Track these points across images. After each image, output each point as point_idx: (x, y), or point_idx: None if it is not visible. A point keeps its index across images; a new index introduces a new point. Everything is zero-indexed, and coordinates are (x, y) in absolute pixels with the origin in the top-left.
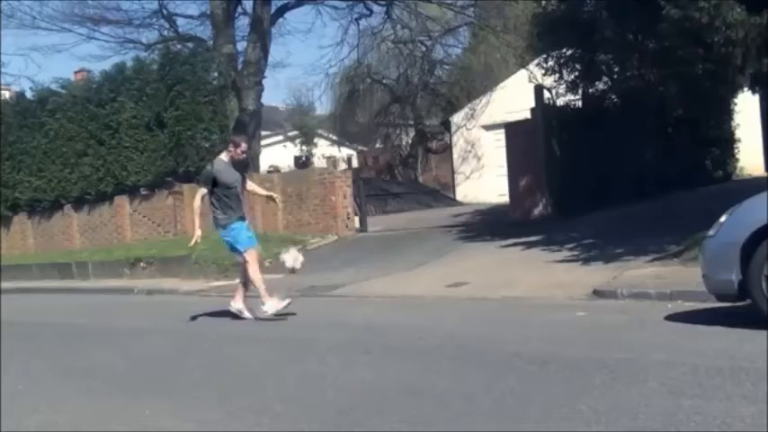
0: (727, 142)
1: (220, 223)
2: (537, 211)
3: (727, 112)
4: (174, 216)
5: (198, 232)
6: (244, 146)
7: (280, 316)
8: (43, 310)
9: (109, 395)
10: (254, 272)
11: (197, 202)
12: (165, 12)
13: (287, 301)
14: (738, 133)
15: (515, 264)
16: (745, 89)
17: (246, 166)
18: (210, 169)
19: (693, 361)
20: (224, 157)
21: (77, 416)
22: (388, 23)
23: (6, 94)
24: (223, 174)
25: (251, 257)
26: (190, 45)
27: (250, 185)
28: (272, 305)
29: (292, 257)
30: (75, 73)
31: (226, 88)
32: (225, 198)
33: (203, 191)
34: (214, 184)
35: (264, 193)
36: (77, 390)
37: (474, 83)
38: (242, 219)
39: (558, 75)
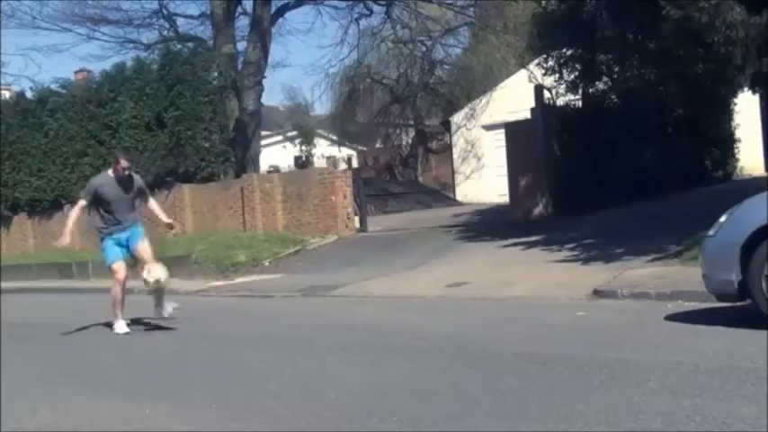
0: (727, 142)
1: (98, 235)
2: (537, 211)
3: (727, 112)
4: (173, 216)
5: (67, 239)
6: (124, 163)
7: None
8: (43, 310)
9: (109, 395)
10: (115, 285)
11: (74, 211)
12: (165, 12)
13: (127, 330)
14: (738, 133)
15: (515, 264)
16: (746, 89)
17: (131, 182)
18: (92, 183)
19: (693, 361)
20: (110, 172)
21: (77, 416)
22: (388, 23)
23: (6, 94)
24: (103, 188)
25: (116, 272)
26: (190, 45)
27: (152, 205)
28: (118, 326)
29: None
30: (75, 73)
31: (226, 88)
32: (105, 213)
33: (83, 203)
34: (97, 198)
35: (165, 219)
36: (77, 390)
37: (474, 83)
38: (118, 232)
39: (558, 75)
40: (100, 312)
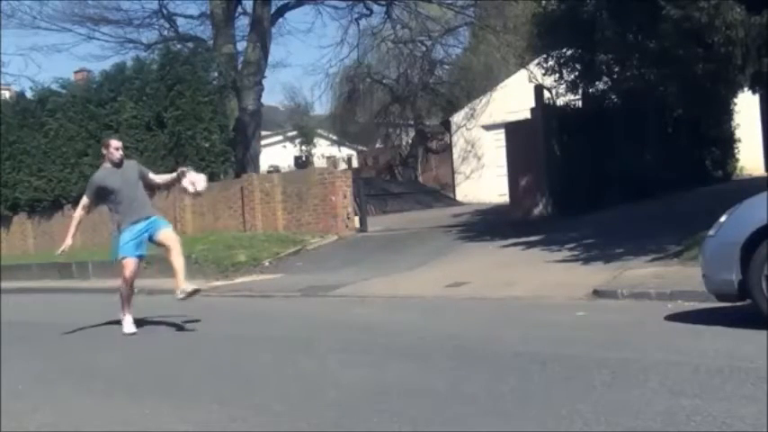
0: (727, 142)
1: (114, 232)
2: (537, 211)
3: (727, 112)
4: (174, 216)
5: (68, 242)
6: (115, 143)
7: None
8: (43, 310)
9: (109, 395)
10: (121, 282)
11: (78, 212)
12: (165, 12)
13: (134, 330)
14: (738, 133)
15: (515, 264)
16: (745, 89)
17: (134, 167)
18: (92, 179)
19: (693, 361)
20: (105, 163)
21: (77, 416)
22: (388, 23)
23: (6, 94)
24: (105, 180)
25: (125, 267)
26: (190, 45)
27: (153, 176)
28: (127, 322)
29: (191, 181)
30: (75, 73)
31: (226, 88)
32: (112, 204)
33: (85, 200)
34: (102, 193)
35: (172, 177)
36: (77, 390)
37: (474, 83)
38: (135, 223)
39: (558, 75)
40: (100, 312)
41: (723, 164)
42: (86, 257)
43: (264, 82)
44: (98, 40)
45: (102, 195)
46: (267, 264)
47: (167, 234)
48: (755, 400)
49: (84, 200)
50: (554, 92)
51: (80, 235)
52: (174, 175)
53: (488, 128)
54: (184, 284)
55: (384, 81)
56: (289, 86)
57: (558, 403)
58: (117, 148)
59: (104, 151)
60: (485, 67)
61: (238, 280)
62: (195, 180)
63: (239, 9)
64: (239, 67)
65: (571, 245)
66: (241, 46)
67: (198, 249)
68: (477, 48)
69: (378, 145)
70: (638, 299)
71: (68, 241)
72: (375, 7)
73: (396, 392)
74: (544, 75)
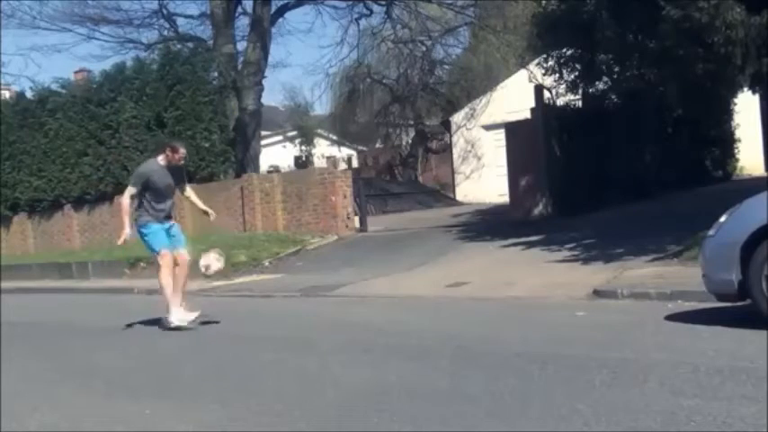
0: (726, 142)
1: (140, 222)
2: (537, 211)
3: (727, 112)
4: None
5: (126, 230)
6: (183, 151)
7: (186, 326)
8: (43, 310)
9: (109, 395)
10: (162, 276)
11: (126, 201)
12: (165, 12)
13: (196, 313)
14: (738, 133)
15: (515, 264)
16: (745, 89)
17: (182, 172)
18: (144, 171)
19: (693, 361)
20: (160, 160)
21: (77, 416)
22: (388, 23)
23: (6, 94)
24: (154, 176)
25: (162, 261)
26: (190, 45)
27: (189, 192)
28: (177, 315)
29: (207, 262)
30: (75, 73)
31: (226, 88)
32: (152, 201)
33: (132, 190)
34: (145, 186)
35: (202, 206)
36: (77, 390)
37: (474, 83)
38: (164, 220)
39: (558, 75)
40: (101, 312)
41: (723, 164)
42: (86, 257)
43: (264, 82)
44: (98, 40)
45: (145, 188)
46: (267, 264)
47: (183, 258)
48: (755, 400)
49: (132, 189)
50: (554, 92)
51: (80, 235)
52: (203, 207)
53: (488, 128)
54: (173, 314)
55: (384, 81)
56: (289, 86)
57: (558, 403)
58: (182, 158)
59: (168, 152)
60: (485, 67)
61: (238, 280)
62: (210, 263)
63: (239, 9)
64: (239, 67)
65: (571, 245)
66: (241, 46)
67: (198, 249)
68: (478, 48)
69: (378, 145)
70: (638, 299)
71: (127, 230)
72: (375, 7)
73: (396, 392)
74: (544, 75)
